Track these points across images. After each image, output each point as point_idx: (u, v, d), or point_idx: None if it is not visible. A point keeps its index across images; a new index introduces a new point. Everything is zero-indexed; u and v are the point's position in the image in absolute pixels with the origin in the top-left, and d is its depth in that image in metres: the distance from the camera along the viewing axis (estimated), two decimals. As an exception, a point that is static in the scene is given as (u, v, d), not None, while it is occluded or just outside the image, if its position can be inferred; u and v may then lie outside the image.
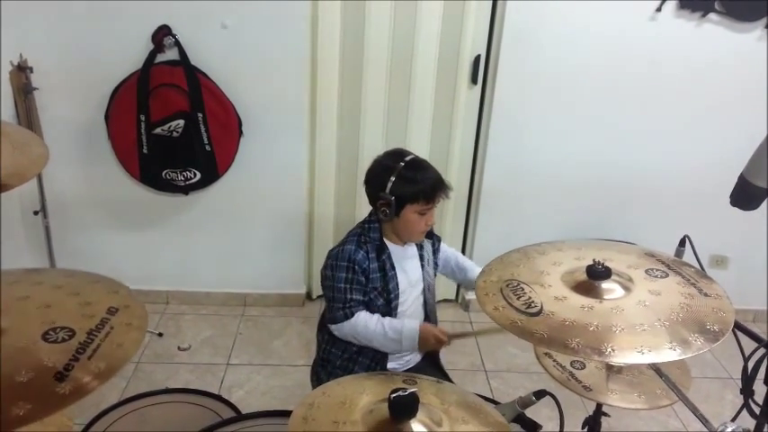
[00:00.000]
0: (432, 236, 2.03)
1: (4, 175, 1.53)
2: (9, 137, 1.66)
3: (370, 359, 1.90)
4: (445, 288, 3.42)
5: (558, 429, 1.56)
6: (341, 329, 1.83)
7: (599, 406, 1.81)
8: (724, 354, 3.11)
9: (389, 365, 1.92)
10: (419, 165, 1.82)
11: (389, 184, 1.77)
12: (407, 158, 1.81)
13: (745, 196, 1.63)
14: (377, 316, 1.84)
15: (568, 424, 1.59)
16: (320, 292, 3.42)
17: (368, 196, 1.87)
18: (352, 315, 1.81)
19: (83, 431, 1.67)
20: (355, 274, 1.82)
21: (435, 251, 2.06)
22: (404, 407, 1.17)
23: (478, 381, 2.91)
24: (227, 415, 1.74)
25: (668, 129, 3.10)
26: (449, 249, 2.14)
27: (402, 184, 1.77)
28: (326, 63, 2.98)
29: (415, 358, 2.01)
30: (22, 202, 2.99)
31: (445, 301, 3.48)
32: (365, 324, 1.81)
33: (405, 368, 1.97)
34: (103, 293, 1.19)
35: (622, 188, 3.22)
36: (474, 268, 2.07)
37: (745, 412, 1.46)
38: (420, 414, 1.18)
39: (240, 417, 1.67)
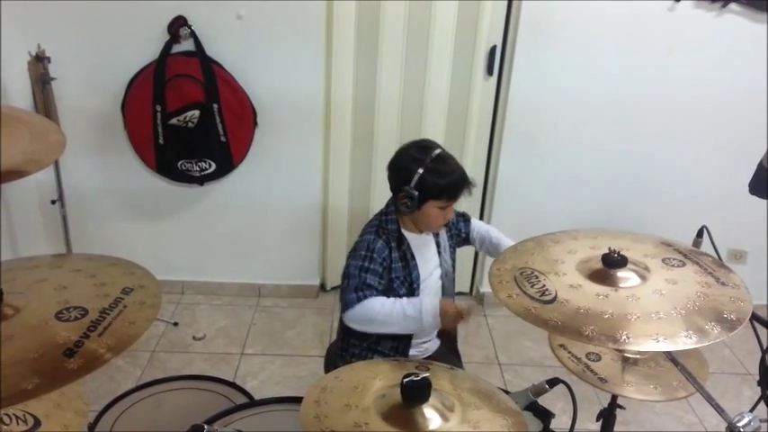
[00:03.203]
0: (452, 222, 2.02)
1: (23, 161, 1.55)
2: (27, 124, 1.68)
3: (389, 348, 1.89)
4: (459, 281, 3.38)
5: (571, 422, 1.55)
6: (353, 315, 1.77)
7: (614, 398, 1.79)
8: (742, 350, 3.08)
9: (410, 353, 1.92)
10: (446, 161, 1.81)
11: (415, 178, 1.76)
12: (435, 153, 1.79)
13: (763, 184, 1.60)
14: (392, 298, 1.80)
15: (582, 418, 1.58)
16: (334, 284, 3.43)
17: (390, 183, 1.87)
18: (365, 298, 1.76)
19: (99, 414, 1.68)
20: (372, 263, 1.80)
21: (454, 235, 2.06)
22: (416, 392, 1.17)
23: (493, 374, 2.90)
24: (241, 401, 1.75)
25: (686, 120, 3.07)
26: (483, 226, 2.12)
27: (427, 180, 1.76)
28: (341, 54, 2.98)
29: (433, 346, 2.02)
30: (40, 191, 3.03)
31: (459, 293, 3.46)
32: (381, 304, 1.76)
33: (424, 356, 1.97)
34: (119, 275, 1.21)
35: (639, 181, 3.19)
36: (509, 244, 1.98)
37: (762, 405, 1.43)
38: (432, 399, 1.18)
39: (253, 402, 1.67)
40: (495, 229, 2.11)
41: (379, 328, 1.80)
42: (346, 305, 1.78)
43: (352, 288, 1.78)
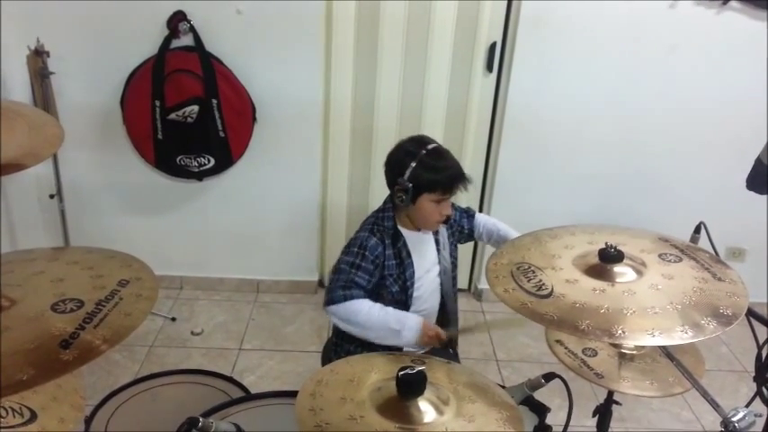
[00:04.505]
0: (452, 218, 2.01)
1: (20, 154, 1.55)
2: (26, 118, 1.68)
3: (384, 347, 1.88)
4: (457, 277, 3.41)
5: (566, 417, 1.55)
6: (336, 311, 1.77)
7: (610, 394, 1.80)
8: (738, 347, 3.08)
9: (405, 348, 1.92)
10: (440, 154, 1.82)
11: (408, 171, 1.76)
12: (430, 147, 1.80)
13: (761, 180, 1.60)
14: (379, 304, 1.80)
15: (579, 414, 1.58)
16: (332, 280, 3.43)
17: (386, 178, 1.87)
18: (351, 298, 1.77)
19: (95, 408, 1.68)
20: (363, 260, 1.81)
21: (455, 232, 2.05)
22: (411, 385, 1.17)
23: (490, 370, 2.91)
24: (238, 396, 1.75)
25: (685, 117, 3.07)
26: (489, 220, 2.11)
27: (421, 172, 1.76)
28: (341, 49, 2.97)
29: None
30: (39, 185, 3.02)
31: (458, 290, 3.46)
32: (367, 309, 1.77)
33: (422, 352, 1.97)
34: (116, 267, 1.21)
35: (638, 178, 3.19)
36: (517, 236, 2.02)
37: (758, 400, 1.43)
38: (428, 392, 1.18)
39: (250, 396, 1.67)
40: (502, 223, 2.10)
41: (357, 330, 1.79)
42: (332, 300, 1.78)
43: (340, 285, 1.79)
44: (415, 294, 1.91)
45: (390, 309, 1.80)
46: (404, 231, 1.89)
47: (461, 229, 2.08)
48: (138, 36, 2.82)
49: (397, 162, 1.81)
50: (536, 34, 2.92)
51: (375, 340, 1.80)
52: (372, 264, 1.81)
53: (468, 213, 2.10)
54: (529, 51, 2.96)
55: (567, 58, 2.97)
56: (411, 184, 1.76)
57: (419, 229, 1.92)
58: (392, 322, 1.77)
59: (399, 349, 1.88)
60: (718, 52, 2.94)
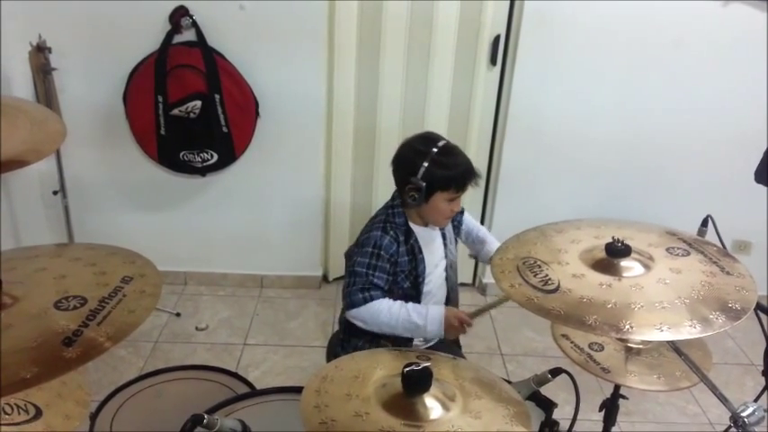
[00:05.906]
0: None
1: (23, 150, 1.55)
2: (27, 114, 1.67)
3: (393, 342, 1.86)
4: (462, 271, 3.38)
5: (573, 412, 1.54)
6: (358, 314, 1.77)
7: (617, 388, 1.78)
8: (746, 340, 3.07)
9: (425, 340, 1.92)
10: (451, 151, 1.80)
11: (422, 170, 1.74)
12: (440, 144, 1.78)
13: (769, 173, 1.59)
14: (399, 301, 1.79)
15: (585, 408, 1.57)
16: (336, 275, 3.43)
17: (395, 179, 1.85)
18: (372, 299, 1.76)
19: (100, 404, 1.68)
20: (379, 260, 1.79)
21: (456, 225, 2.05)
22: (417, 381, 1.16)
23: (495, 364, 2.90)
24: (243, 392, 1.75)
25: (692, 111, 3.04)
26: (472, 221, 2.12)
27: (434, 171, 1.74)
28: (344, 45, 2.96)
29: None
30: (42, 182, 3.02)
31: (462, 284, 3.45)
32: (388, 308, 1.76)
33: (426, 347, 1.96)
34: (119, 264, 1.20)
35: (643, 171, 3.17)
36: (493, 243, 2.04)
37: (766, 394, 1.42)
38: (433, 389, 1.17)
39: (254, 392, 1.67)
40: (484, 228, 2.14)
41: (381, 329, 1.79)
42: (352, 304, 1.77)
43: (359, 287, 1.77)
44: (425, 290, 1.90)
45: (410, 304, 1.80)
46: (414, 227, 1.88)
47: (458, 224, 2.08)
48: (141, 31, 2.80)
49: (407, 161, 1.79)
50: (540, 29, 2.90)
51: (402, 335, 1.80)
52: (388, 262, 1.80)
53: (461, 209, 2.09)
54: (533, 47, 2.94)
55: (570, 52, 2.95)
56: (425, 184, 1.74)
57: (427, 225, 1.91)
58: (414, 317, 1.76)
59: (407, 344, 1.88)
60: (724, 46, 2.92)
